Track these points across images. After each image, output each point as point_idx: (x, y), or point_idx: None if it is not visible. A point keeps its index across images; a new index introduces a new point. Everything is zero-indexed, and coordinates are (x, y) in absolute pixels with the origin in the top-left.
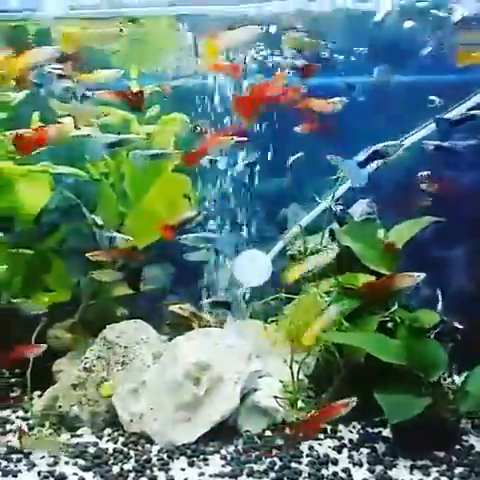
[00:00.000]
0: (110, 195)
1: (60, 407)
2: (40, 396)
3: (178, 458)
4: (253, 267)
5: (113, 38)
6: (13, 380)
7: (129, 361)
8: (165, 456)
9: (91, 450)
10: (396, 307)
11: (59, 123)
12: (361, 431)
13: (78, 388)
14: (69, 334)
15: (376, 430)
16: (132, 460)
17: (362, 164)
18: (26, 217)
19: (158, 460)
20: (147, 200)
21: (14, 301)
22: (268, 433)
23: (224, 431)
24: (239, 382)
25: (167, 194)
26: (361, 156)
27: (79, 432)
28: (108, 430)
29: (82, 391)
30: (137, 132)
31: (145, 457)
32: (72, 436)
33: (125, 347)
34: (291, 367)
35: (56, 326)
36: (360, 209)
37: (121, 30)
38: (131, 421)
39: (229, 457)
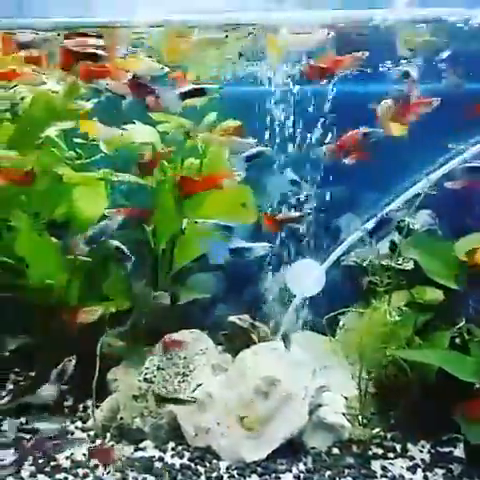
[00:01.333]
0: (168, 203)
1: (122, 419)
2: (96, 406)
3: (250, 476)
4: (307, 277)
5: (218, 44)
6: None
7: (189, 372)
8: (235, 473)
9: (158, 465)
10: (464, 322)
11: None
12: (432, 451)
13: (139, 399)
14: (122, 342)
15: (446, 449)
16: (202, 477)
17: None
18: (83, 224)
19: (229, 477)
20: (204, 208)
21: None
22: (335, 450)
23: (290, 448)
24: (307, 398)
25: (225, 203)
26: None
27: (142, 445)
28: (171, 444)
29: (143, 403)
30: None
31: (215, 474)
32: (135, 449)
33: (184, 358)
34: (359, 383)
35: (108, 334)
36: (422, 220)
37: (226, 36)
38: (196, 435)
39: (302, 476)
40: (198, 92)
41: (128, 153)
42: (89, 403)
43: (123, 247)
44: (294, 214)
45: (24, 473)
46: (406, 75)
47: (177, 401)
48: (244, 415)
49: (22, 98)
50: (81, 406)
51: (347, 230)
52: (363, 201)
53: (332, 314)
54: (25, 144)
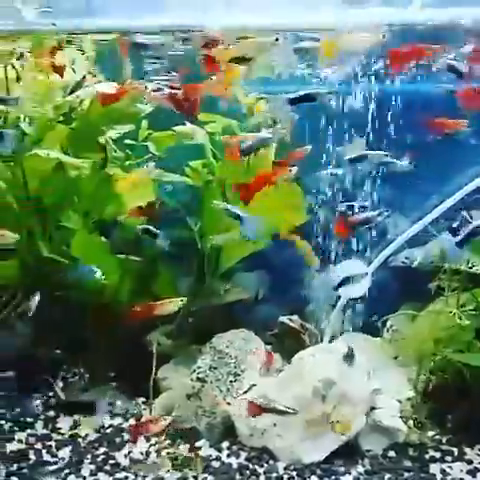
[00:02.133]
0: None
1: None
2: (145, 403)
3: (309, 477)
4: (352, 278)
5: (269, 47)
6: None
7: (241, 372)
8: (295, 474)
9: (215, 464)
10: None
11: None
12: None
13: (192, 398)
14: (170, 340)
15: None
16: (262, 477)
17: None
18: (132, 223)
19: (289, 478)
20: (252, 210)
21: None
22: (391, 453)
23: (345, 450)
24: (363, 400)
25: (274, 203)
26: None
27: (197, 444)
28: (225, 443)
29: (197, 402)
30: None
31: (275, 475)
32: (191, 448)
33: (235, 357)
34: (416, 386)
35: (155, 332)
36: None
37: (277, 39)
38: (251, 435)
39: (362, 478)
40: (307, 97)
41: (177, 154)
42: (139, 401)
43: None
44: (368, 215)
45: (84, 471)
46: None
47: (276, 411)
48: (301, 416)
49: (81, 101)
50: (133, 404)
51: (394, 230)
52: (410, 200)
53: (392, 315)
54: (82, 147)
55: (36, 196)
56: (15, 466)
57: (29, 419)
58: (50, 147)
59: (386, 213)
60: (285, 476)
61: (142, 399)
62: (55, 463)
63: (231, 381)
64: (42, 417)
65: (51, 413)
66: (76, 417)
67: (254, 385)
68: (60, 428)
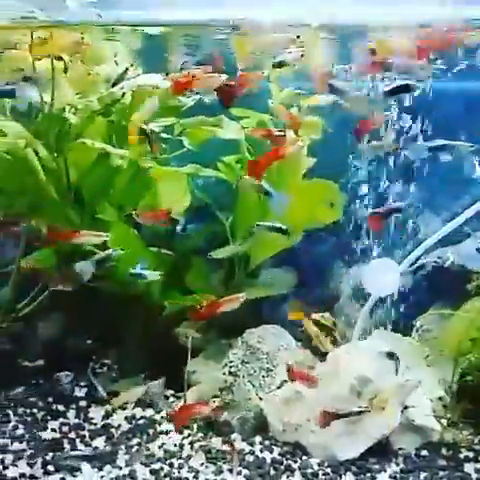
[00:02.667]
0: (248, 199)
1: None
2: (173, 395)
3: (345, 474)
4: (383, 276)
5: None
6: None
7: (273, 368)
8: (329, 471)
9: (249, 458)
10: None
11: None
12: None
13: (225, 392)
14: (199, 334)
15: None
16: (296, 473)
17: None
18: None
19: (323, 475)
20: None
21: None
22: (424, 452)
23: (378, 448)
24: (398, 398)
25: (307, 199)
26: None
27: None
28: (258, 438)
29: (229, 396)
30: None
31: (310, 471)
32: (224, 442)
33: (267, 353)
34: (451, 385)
35: (184, 325)
36: None
37: (298, 36)
38: (284, 431)
39: (398, 477)
40: (403, 88)
41: (211, 148)
42: (168, 393)
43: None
44: (396, 205)
45: (119, 462)
46: None
47: (351, 414)
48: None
49: (123, 94)
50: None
51: (426, 229)
52: (442, 200)
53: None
54: (123, 139)
55: (76, 187)
56: (50, 455)
57: (61, 408)
58: (92, 138)
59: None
60: (320, 472)
61: (171, 391)
62: (90, 452)
63: (263, 376)
64: (74, 406)
65: (83, 403)
66: (108, 407)
67: (286, 381)
68: (92, 418)
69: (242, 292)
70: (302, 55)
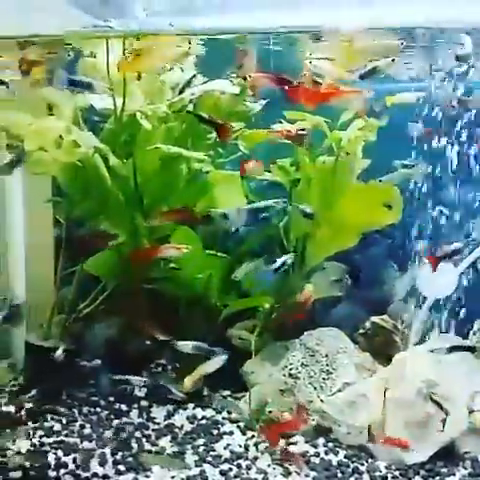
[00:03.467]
0: (302, 202)
1: (270, 412)
2: (231, 396)
3: (413, 477)
4: (439, 279)
5: (394, 51)
6: None
7: (333, 370)
8: (398, 474)
9: (315, 460)
10: None
11: None
12: None
13: (286, 394)
14: (252, 335)
15: None
16: (365, 475)
17: None
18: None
19: (392, 478)
20: (341, 208)
21: None
22: None
23: (444, 452)
24: (465, 402)
25: (366, 202)
26: None
27: (293, 439)
28: (321, 440)
29: (291, 398)
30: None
31: (378, 473)
32: (288, 444)
33: (326, 355)
34: None
35: (237, 326)
36: None
37: (402, 43)
38: (348, 433)
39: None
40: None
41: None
42: (224, 393)
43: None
44: (455, 246)
45: (188, 460)
46: None
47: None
48: (404, 417)
49: (190, 101)
50: (219, 396)
51: None
52: None
53: None
54: (197, 143)
55: (141, 190)
56: (120, 454)
57: (124, 407)
58: (162, 143)
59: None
60: (389, 475)
61: (227, 392)
62: (158, 452)
63: (324, 379)
64: (136, 406)
65: (144, 403)
66: (169, 407)
67: (347, 384)
68: (155, 417)
69: (297, 293)
70: (393, 60)
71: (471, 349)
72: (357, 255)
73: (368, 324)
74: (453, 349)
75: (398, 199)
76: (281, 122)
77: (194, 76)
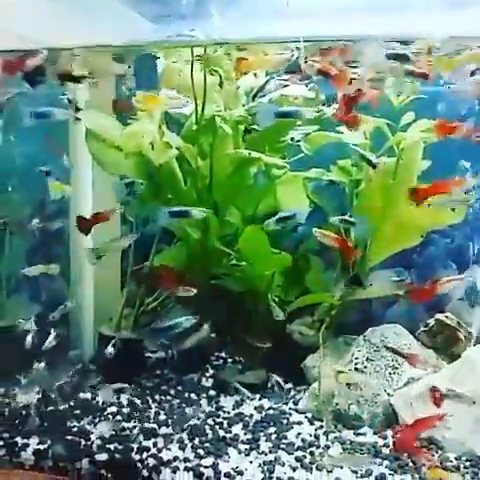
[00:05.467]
0: (364, 202)
1: (337, 405)
2: (293, 389)
3: None
4: None
5: None
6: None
7: (398, 365)
8: (469, 464)
9: (385, 451)
10: None
11: None
12: None
13: (352, 387)
14: (312, 331)
15: None
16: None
17: None
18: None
19: (464, 468)
20: (401, 208)
21: None
22: None
23: None
24: None
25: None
26: None
27: (361, 431)
28: (389, 431)
29: (357, 391)
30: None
31: (449, 464)
32: (356, 434)
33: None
34: None
35: (297, 323)
36: None
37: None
38: None
39: None
40: None
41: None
42: (287, 386)
43: None
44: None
45: (263, 447)
46: None
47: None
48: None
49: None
50: (283, 388)
51: None
52: None
53: None
54: (265, 147)
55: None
56: (197, 439)
57: (193, 396)
58: (238, 147)
59: None
60: (461, 465)
61: (289, 385)
62: (232, 439)
63: (390, 373)
64: (204, 395)
65: (212, 392)
66: (237, 397)
67: (413, 378)
68: (224, 406)
69: (357, 291)
70: None
71: None
72: (417, 255)
73: (431, 321)
74: None
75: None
76: None
77: (267, 81)
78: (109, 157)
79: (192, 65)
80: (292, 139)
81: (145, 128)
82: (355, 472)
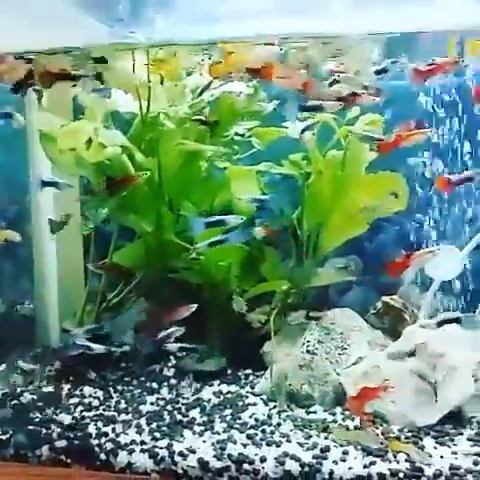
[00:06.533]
0: (315, 194)
1: (290, 385)
2: (252, 374)
3: (424, 437)
4: (445, 262)
5: None
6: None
7: (347, 346)
8: (410, 435)
9: (334, 426)
10: None
11: None
12: None
13: (304, 368)
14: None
15: None
16: (380, 436)
17: None
18: (241, 213)
19: (405, 438)
20: (350, 198)
21: None
22: None
23: (452, 416)
24: (471, 371)
25: (372, 192)
26: None
27: (312, 409)
28: (338, 408)
29: (309, 371)
30: None
31: (392, 435)
32: (307, 412)
33: (341, 333)
34: None
35: (256, 312)
36: None
37: None
38: None
39: (475, 439)
40: None
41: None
42: (246, 372)
43: None
44: (470, 173)
45: (217, 428)
46: None
47: None
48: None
49: (209, 102)
50: (242, 374)
51: None
52: None
53: None
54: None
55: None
56: (155, 424)
57: (155, 385)
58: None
59: None
60: (402, 436)
61: (249, 370)
62: (188, 422)
63: (339, 354)
64: (166, 384)
65: (173, 381)
66: (197, 385)
67: (361, 358)
68: (183, 393)
69: (311, 279)
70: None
71: (457, 320)
72: (368, 242)
73: (379, 304)
74: (441, 323)
75: (404, 188)
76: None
77: (212, 81)
78: (63, 158)
79: (134, 66)
80: (236, 134)
81: (83, 127)
82: (302, 445)
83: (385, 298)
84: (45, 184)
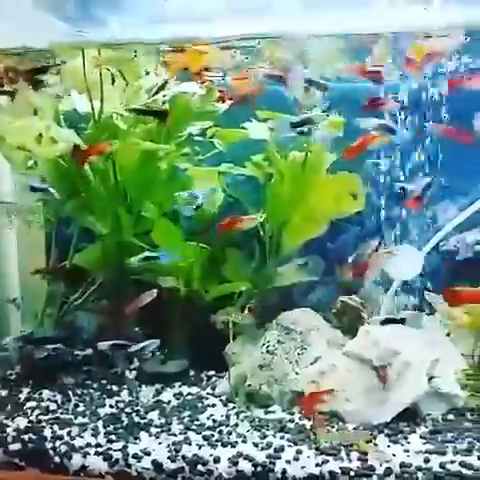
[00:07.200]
0: (277, 195)
1: (250, 385)
2: (215, 375)
3: (378, 435)
4: (405, 262)
5: None
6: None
7: (307, 346)
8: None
9: (290, 425)
10: None
11: None
12: None
13: (264, 368)
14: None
15: None
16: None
17: None
18: (205, 213)
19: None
20: (309, 199)
21: None
22: (450, 417)
23: (407, 414)
24: (425, 368)
25: (331, 192)
26: None
27: (271, 409)
28: (297, 408)
29: (269, 371)
30: None
31: (346, 432)
32: (266, 412)
33: (301, 333)
34: (472, 357)
35: (220, 313)
36: None
37: None
38: None
39: (428, 437)
40: None
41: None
42: (209, 373)
43: None
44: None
45: (174, 429)
46: None
47: None
48: (368, 383)
49: (164, 102)
50: (204, 376)
51: (444, 216)
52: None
53: None
54: (166, 141)
55: (123, 187)
56: (112, 427)
57: (115, 388)
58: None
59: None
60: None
61: (212, 372)
62: (147, 424)
63: (298, 354)
64: (125, 387)
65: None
66: (157, 386)
67: (319, 357)
68: (143, 396)
69: (273, 280)
70: None
71: (402, 321)
72: (329, 243)
73: (338, 304)
74: (386, 322)
75: (361, 188)
76: (250, 121)
77: (167, 81)
78: (19, 158)
79: (84, 65)
80: (190, 135)
81: (32, 124)
82: (256, 445)
83: (343, 298)
84: (34, 190)
